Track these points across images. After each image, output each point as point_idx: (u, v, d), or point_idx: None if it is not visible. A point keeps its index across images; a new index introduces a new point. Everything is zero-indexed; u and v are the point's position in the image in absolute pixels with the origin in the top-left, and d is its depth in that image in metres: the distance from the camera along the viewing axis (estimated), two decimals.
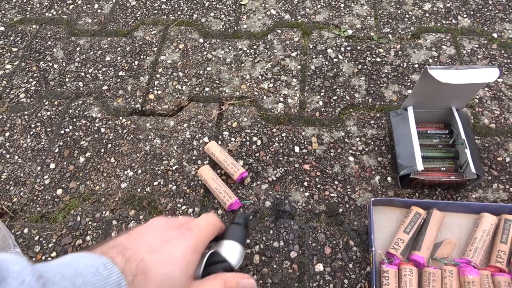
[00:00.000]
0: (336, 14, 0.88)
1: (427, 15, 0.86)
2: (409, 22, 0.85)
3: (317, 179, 0.65)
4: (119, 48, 0.88)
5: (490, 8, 0.85)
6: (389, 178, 0.64)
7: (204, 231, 0.44)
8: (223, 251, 0.46)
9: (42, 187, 0.69)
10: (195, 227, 0.44)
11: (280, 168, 0.67)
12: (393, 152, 0.65)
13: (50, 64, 0.87)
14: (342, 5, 0.90)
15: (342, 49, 0.81)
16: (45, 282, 0.32)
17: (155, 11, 0.94)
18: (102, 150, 0.73)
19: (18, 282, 0.30)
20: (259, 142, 0.70)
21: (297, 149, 0.69)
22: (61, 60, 0.87)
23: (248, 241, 0.59)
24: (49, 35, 0.93)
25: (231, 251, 0.46)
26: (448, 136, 0.65)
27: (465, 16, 0.85)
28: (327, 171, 0.66)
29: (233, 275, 0.44)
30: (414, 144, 0.59)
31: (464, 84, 0.54)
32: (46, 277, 0.32)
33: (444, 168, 0.61)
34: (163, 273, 0.39)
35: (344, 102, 0.73)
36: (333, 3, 0.90)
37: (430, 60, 0.77)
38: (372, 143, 0.68)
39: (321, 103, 0.74)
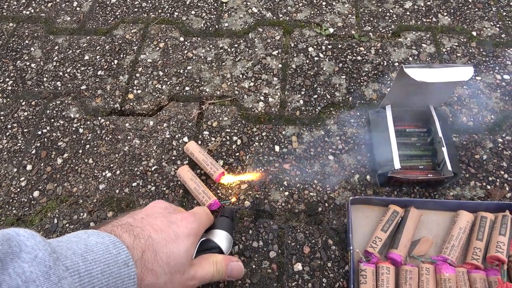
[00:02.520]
0: (318, 12, 0.88)
1: (407, 13, 0.86)
2: (390, 20, 0.85)
3: (296, 179, 0.65)
4: (98, 47, 0.86)
5: (470, 6, 0.86)
6: (368, 177, 0.64)
7: (204, 218, 0.49)
8: (215, 239, 0.50)
9: (18, 189, 0.68)
10: (196, 213, 0.48)
11: (260, 168, 0.66)
12: (372, 151, 0.65)
13: (28, 63, 0.85)
14: (324, 3, 0.89)
15: (323, 47, 0.81)
16: (57, 257, 0.33)
17: (136, 9, 0.93)
18: (80, 151, 0.71)
19: (31, 257, 0.31)
20: (239, 142, 0.70)
21: (277, 148, 0.68)
22: (38, 59, 0.86)
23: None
24: (26, 34, 0.91)
25: (222, 239, 0.51)
26: (427, 135, 0.65)
27: (445, 14, 0.85)
28: (307, 170, 0.65)
29: (223, 257, 0.48)
30: (392, 143, 0.59)
31: (439, 83, 0.54)
32: (58, 252, 0.33)
33: (422, 166, 0.62)
34: (169, 251, 0.41)
35: (325, 101, 0.73)
36: (314, 1, 0.90)
37: (410, 59, 0.78)
38: (351, 141, 0.68)
39: (301, 102, 0.74)
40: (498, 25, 0.82)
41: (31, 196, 0.67)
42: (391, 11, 0.87)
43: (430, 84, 0.54)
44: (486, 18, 0.84)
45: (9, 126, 0.76)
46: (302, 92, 0.75)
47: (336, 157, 0.67)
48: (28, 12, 0.95)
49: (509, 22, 0.82)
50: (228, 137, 0.70)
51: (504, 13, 0.84)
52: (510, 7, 0.85)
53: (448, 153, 0.58)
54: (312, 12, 0.88)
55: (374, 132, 0.64)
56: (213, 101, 0.75)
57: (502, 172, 0.63)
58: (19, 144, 0.73)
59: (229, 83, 0.78)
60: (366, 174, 0.64)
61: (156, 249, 0.41)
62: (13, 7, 0.97)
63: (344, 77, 0.76)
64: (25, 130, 0.75)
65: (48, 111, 0.77)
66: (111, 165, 0.69)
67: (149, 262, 0.40)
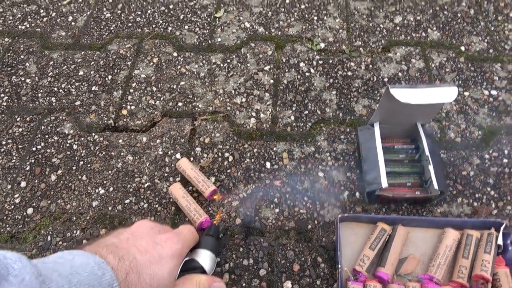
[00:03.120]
0: (309, 27, 0.89)
1: (397, 28, 0.87)
2: (380, 35, 0.86)
3: (287, 195, 0.66)
4: (92, 62, 0.87)
5: (458, 21, 0.87)
6: (357, 194, 0.65)
7: (188, 238, 0.50)
8: (199, 259, 0.51)
9: (12, 206, 0.69)
10: (181, 233, 0.49)
11: (251, 185, 0.67)
12: (361, 168, 0.66)
13: (23, 79, 0.86)
14: (315, 18, 0.91)
15: (314, 62, 0.82)
16: (43, 280, 0.33)
17: (130, 24, 0.94)
18: (74, 168, 0.72)
19: (18, 280, 0.31)
20: (230, 158, 0.71)
21: (268, 165, 0.69)
22: (33, 75, 0.86)
23: (218, 259, 0.60)
24: (21, 49, 0.92)
25: (206, 259, 0.52)
26: (415, 151, 0.66)
27: (434, 29, 0.86)
28: (297, 187, 0.66)
29: (206, 277, 0.49)
30: (379, 161, 0.61)
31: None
32: (44, 275, 0.34)
33: (410, 184, 0.63)
34: (153, 273, 0.42)
35: (315, 117, 0.74)
36: (306, 16, 0.91)
37: (400, 74, 0.79)
38: (341, 158, 0.69)
39: (292, 117, 0.75)
40: (486, 40, 0.83)
41: (25, 213, 0.68)
42: (381, 25, 0.88)
43: (415, 104, 0.55)
44: (475, 33, 0.85)
45: (3, 142, 0.77)
46: (293, 108, 0.76)
47: (326, 174, 0.68)
48: (23, 27, 0.96)
49: (497, 37, 0.83)
50: (220, 154, 0.71)
51: (492, 28, 0.85)
52: (498, 22, 0.86)
53: (435, 171, 0.59)
54: (304, 27, 0.89)
55: (363, 149, 0.65)
56: (206, 117, 0.76)
57: (489, 189, 0.64)
58: (13, 161, 0.74)
59: (221, 98, 0.79)
60: (355, 191, 0.65)
61: (139, 271, 0.41)
62: (9, 21, 0.98)
63: (334, 92, 0.78)
64: (19, 146, 0.76)
65: (42, 127, 0.78)
66: (105, 182, 0.70)
67: (132, 283, 0.40)
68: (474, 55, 0.81)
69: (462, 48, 0.82)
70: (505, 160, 0.67)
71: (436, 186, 0.57)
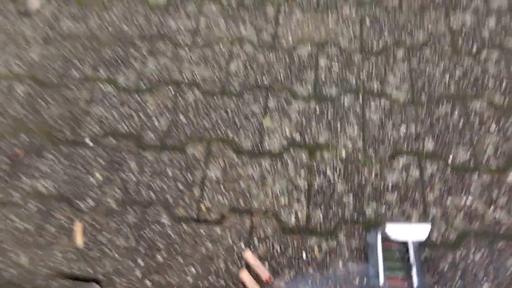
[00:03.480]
0: (334, 134, 1.19)
1: (402, 138, 1.15)
2: (388, 145, 1.14)
3: (317, 280, 0.98)
4: (176, 162, 1.22)
5: (450, 132, 1.14)
6: (365, 280, 0.97)
7: None
8: None
9: (136, 279, 1.06)
10: None
11: (293, 270, 1.00)
12: (368, 263, 0.97)
13: (129, 175, 1.22)
14: (339, 126, 1.20)
15: (337, 170, 1.13)
16: None
17: (200, 128, 1.27)
18: (173, 251, 1.08)
19: None
20: (279, 249, 1.04)
21: (304, 255, 1.02)
22: (136, 172, 1.22)
23: None
24: (123, 148, 1.27)
25: None
26: (406, 251, 0.96)
27: (430, 139, 1.14)
28: (324, 274, 0.99)
29: None
30: (379, 264, 0.92)
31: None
32: None
33: (401, 277, 0.94)
34: None
35: (337, 218, 1.06)
36: (331, 123, 1.21)
37: (400, 183, 1.08)
38: (355, 252, 1.01)
39: (321, 217, 1.06)
40: (469, 151, 1.10)
41: (145, 284, 1.04)
42: (389, 134, 1.16)
43: None
44: (461, 143, 1.11)
45: (122, 228, 1.13)
46: (322, 209, 1.07)
47: (344, 264, 0.99)
48: (122, 129, 1.31)
49: (478, 148, 1.10)
50: (272, 245, 1.04)
51: (476, 138, 1.11)
52: (480, 134, 1.12)
53: (417, 272, 0.90)
54: (330, 134, 1.19)
55: (369, 251, 0.96)
56: (260, 215, 1.09)
57: (457, 279, 0.94)
58: (131, 243, 1.11)
59: (270, 199, 1.11)
60: (364, 278, 0.97)
61: None
62: (111, 122, 1.33)
63: (351, 197, 1.08)
64: (134, 232, 1.12)
65: (147, 217, 1.14)
66: (194, 263, 1.05)
67: None
68: (459, 166, 1.08)
69: (450, 159, 1.09)
70: (471, 257, 0.96)
71: (416, 285, 0.88)
